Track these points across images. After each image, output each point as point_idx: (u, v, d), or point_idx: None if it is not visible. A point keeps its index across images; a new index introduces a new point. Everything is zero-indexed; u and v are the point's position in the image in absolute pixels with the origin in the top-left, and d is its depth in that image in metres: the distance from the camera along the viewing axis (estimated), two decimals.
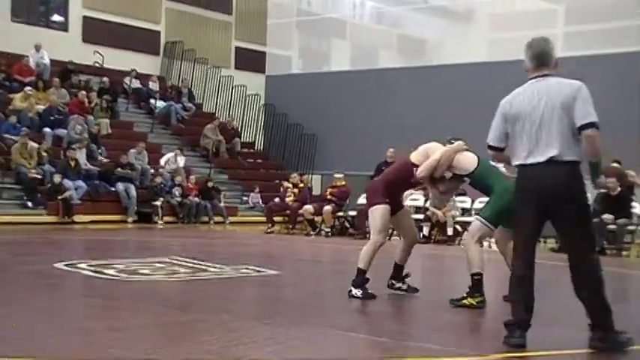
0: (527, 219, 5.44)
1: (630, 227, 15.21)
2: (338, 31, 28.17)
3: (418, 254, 13.45)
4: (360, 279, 7.49)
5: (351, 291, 7.47)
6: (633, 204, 15.61)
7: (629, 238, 15.31)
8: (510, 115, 5.44)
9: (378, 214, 7.57)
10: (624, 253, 15.02)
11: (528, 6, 23.39)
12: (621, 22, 22.30)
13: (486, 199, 7.59)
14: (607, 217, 14.91)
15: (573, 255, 5.39)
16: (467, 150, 7.54)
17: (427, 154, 7.45)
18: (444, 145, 7.56)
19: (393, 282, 7.87)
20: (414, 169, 7.46)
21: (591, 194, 15.44)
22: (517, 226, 5.58)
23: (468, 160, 7.42)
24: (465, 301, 7.13)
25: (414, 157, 7.59)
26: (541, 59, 5.45)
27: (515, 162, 5.48)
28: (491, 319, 6.80)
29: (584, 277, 5.35)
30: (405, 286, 7.84)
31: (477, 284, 7.16)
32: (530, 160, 5.34)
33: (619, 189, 15.20)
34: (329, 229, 17.78)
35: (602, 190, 15.30)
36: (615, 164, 15.89)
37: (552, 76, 5.42)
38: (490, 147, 5.67)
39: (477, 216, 7.52)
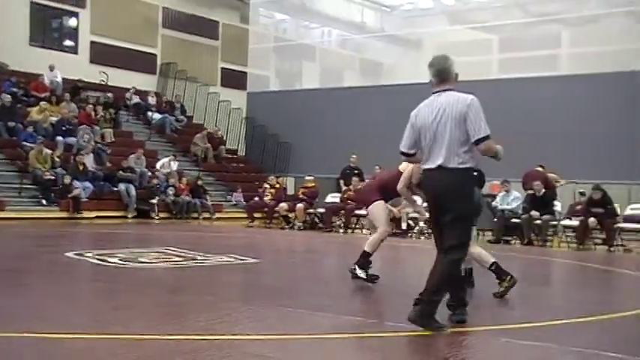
0: (430, 214, 5.46)
1: (553, 222, 15.38)
2: (309, 55, 28.20)
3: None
4: (364, 261, 7.34)
5: (355, 269, 7.30)
6: (555, 202, 15.80)
7: (552, 231, 15.49)
8: (416, 125, 5.32)
9: (379, 208, 7.54)
10: (548, 243, 15.20)
11: (469, 36, 23.58)
12: (548, 51, 22.59)
13: None
14: (534, 213, 15.08)
15: (446, 245, 5.20)
16: None
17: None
18: None
19: (355, 268, 7.56)
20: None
21: (521, 196, 15.64)
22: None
23: None
24: (503, 289, 6.83)
25: (401, 167, 7.53)
26: (441, 75, 5.30)
27: (421, 166, 5.45)
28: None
29: (439, 267, 5.20)
30: (364, 275, 7.48)
31: (498, 271, 6.93)
32: (426, 166, 5.29)
33: (543, 190, 15.38)
34: (301, 224, 17.80)
35: (530, 192, 15.52)
36: (540, 168, 16.08)
37: (451, 91, 5.25)
38: (401, 152, 5.51)
39: None
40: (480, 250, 7.20)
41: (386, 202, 7.68)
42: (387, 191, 7.63)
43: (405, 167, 7.42)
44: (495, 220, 15.74)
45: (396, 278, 8.59)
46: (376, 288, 7.48)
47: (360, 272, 7.34)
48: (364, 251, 7.42)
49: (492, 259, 7.00)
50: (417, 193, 7.51)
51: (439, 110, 5.19)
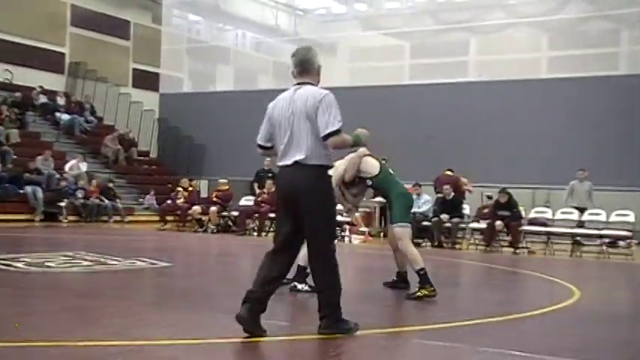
0: (280, 213, 5.20)
1: (462, 225, 15.79)
2: (223, 57, 28.07)
3: None
4: (301, 275, 7.15)
5: (295, 286, 7.09)
6: (464, 206, 16.22)
7: (461, 233, 15.89)
8: (273, 118, 5.08)
9: None
10: (457, 246, 15.58)
11: (381, 41, 23.98)
12: (457, 58, 23.20)
13: None
14: (443, 216, 15.44)
15: (313, 244, 5.08)
16: (369, 156, 7.53)
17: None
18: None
19: (296, 284, 7.25)
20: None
21: (431, 199, 15.99)
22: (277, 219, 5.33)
23: (371, 165, 7.46)
24: (419, 294, 6.99)
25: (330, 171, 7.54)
26: (302, 66, 5.06)
27: (277, 162, 5.17)
28: (356, 301, 6.93)
29: (318, 264, 5.08)
30: (307, 287, 7.19)
31: (423, 277, 7.06)
32: (281, 162, 5.05)
33: (453, 194, 15.76)
34: (214, 227, 17.66)
35: (440, 195, 15.89)
36: (449, 172, 16.47)
37: (309, 85, 5.02)
38: (258, 145, 5.27)
39: (396, 223, 7.31)
40: (417, 252, 7.34)
41: None
42: None
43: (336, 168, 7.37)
44: None
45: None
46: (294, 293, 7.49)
47: (300, 287, 7.16)
48: (299, 266, 7.04)
49: (422, 265, 7.14)
50: (349, 191, 7.56)
51: (294, 106, 4.96)
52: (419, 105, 19.17)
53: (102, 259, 9.59)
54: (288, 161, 4.98)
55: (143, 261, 9.65)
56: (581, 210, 15.37)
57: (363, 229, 16.84)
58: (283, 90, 5.19)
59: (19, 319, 5.37)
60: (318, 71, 5.11)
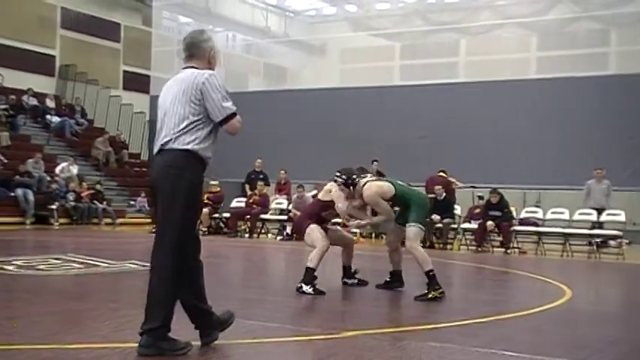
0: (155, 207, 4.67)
1: (453, 225, 15.80)
2: None
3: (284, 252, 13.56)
4: (309, 277, 7.33)
5: (301, 287, 7.26)
6: (455, 206, 16.24)
7: (452, 234, 15.90)
8: (159, 103, 4.68)
9: (312, 230, 7.70)
10: (449, 246, 15.59)
11: (372, 42, 23.98)
12: (447, 59, 23.23)
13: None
14: (435, 217, 15.44)
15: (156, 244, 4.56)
16: (379, 182, 7.71)
17: (329, 193, 7.81)
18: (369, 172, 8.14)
19: (346, 280, 8.07)
20: (323, 204, 7.87)
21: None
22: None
23: (388, 190, 7.56)
24: (429, 295, 7.07)
25: (321, 196, 8.04)
26: (190, 50, 4.62)
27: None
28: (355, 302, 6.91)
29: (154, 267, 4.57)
30: (355, 281, 8.05)
31: (432, 279, 7.18)
32: (154, 149, 4.61)
33: (444, 194, 15.76)
34: (206, 229, 17.56)
35: (431, 195, 15.88)
36: (442, 174, 16.47)
37: (194, 69, 4.55)
38: None
39: (412, 224, 7.39)
40: (425, 253, 7.43)
41: (320, 223, 7.79)
42: (315, 216, 7.88)
43: (326, 197, 7.83)
44: None
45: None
46: (286, 294, 7.48)
47: (306, 288, 7.26)
48: (307, 267, 7.37)
49: (431, 266, 7.25)
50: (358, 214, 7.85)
51: (175, 87, 4.53)
52: (409, 106, 19.17)
53: (93, 262, 9.55)
54: (156, 147, 4.56)
55: (134, 263, 9.61)
56: (599, 211, 15.12)
57: (355, 229, 16.77)
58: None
59: (9, 323, 5.33)
60: (209, 57, 4.63)
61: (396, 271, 7.87)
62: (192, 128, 4.45)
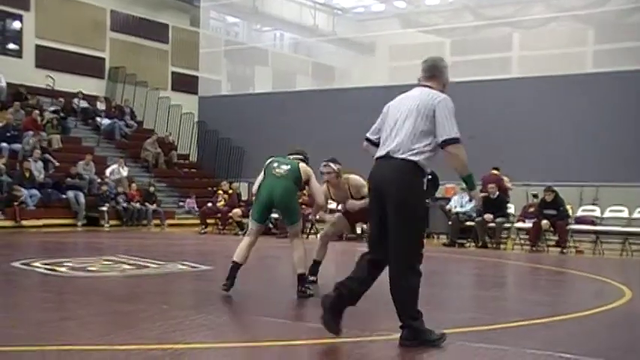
0: (371, 209, 5.15)
1: (506, 225, 15.61)
2: (261, 59, 28.17)
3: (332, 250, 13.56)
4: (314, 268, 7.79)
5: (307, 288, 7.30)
6: (509, 205, 16.04)
7: (505, 233, 15.71)
8: (385, 113, 5.20)
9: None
10: (502, 246, 15.41)
11: (421, 39, 23.81)
12: (500, 54, 22.94)
13: None
14: (487, 216, 15.28)
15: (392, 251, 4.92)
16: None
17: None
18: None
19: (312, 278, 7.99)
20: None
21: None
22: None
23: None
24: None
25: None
26: (431, 71, 5.20)
27: (375, 155, 5.20)
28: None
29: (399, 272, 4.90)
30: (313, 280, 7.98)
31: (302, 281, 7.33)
32: (377, 154, 5.09)
33: (497, 193, 15.59)
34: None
35: (484, 194, 15.72)
36: (495, 172, 16.28)
37: (430, 88, 5.09)
38: (366, 138, 5.33)
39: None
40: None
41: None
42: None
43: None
44: (450, 223, 15.94)
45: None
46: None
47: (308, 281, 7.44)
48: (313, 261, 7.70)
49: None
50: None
51: (408, 101, 5.05)
52: (461, 103, 18.95)
53: (143, 264, 9.70)
54: (382, 152, 5.00)
55: (183, 264, 9.74)
56: None
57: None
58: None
59: (61, 324, 5.46)
60: (444, 83, 5.18)
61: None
62: (421, 143, 4.87)
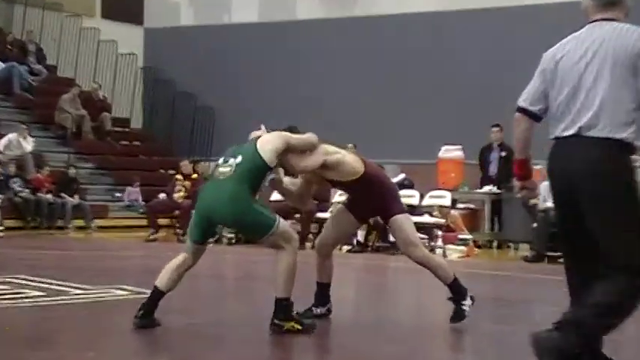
0: (558, 214, 5.34)
1: None
2: None
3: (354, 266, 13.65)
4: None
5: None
6: None
7: None
8: (549, 68, 5.16)
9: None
10: None
11: None
12: None
13: None
14: None
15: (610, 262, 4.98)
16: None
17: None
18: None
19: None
20: None
21: None
22: None
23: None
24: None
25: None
26: None
27: (551, 133, 5.20)
28: None
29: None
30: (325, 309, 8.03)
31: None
32: (557, 134, 5.10)
33: None
34: (232, 235, 17.58)
35: None
36: None
37: (616, 22, 5.05)
38: (520, 109, 5.29)
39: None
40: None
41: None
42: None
43: None
44: (535, 225, 15.89)
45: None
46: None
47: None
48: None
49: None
50: None
51: (593, 48, 4.99)
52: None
53: (60, 288, 9.72)
54: (568, 131, 5.01)
55: (122, 289, 9.77)
56: None
57: (465, 235, 16.65)
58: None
59: None
60: (625, 4, 5.12)
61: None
62: (627, 108, 4.88)
